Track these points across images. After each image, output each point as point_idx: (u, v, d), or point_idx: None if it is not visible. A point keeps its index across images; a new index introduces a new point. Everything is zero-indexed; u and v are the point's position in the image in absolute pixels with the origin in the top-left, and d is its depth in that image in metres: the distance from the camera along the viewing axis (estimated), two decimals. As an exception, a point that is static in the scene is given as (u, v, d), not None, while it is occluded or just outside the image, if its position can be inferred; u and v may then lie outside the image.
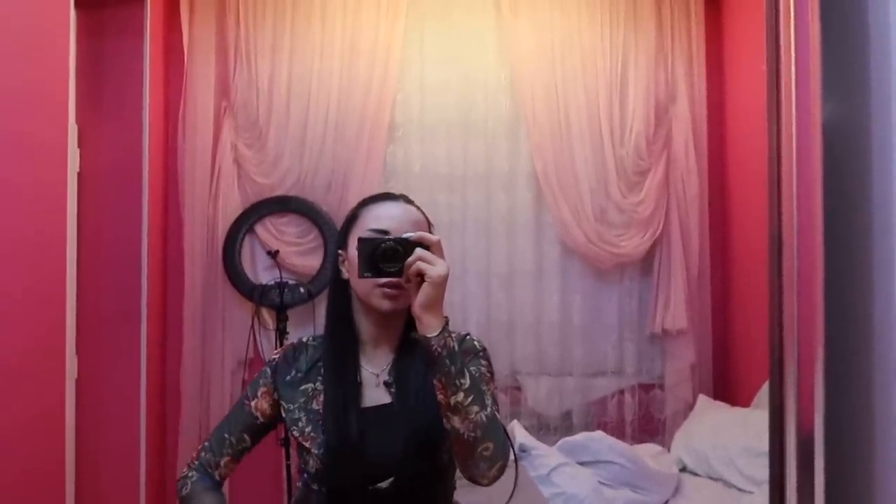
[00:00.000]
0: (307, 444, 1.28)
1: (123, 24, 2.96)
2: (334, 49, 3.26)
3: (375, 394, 1.31)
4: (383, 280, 1.23)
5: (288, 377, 1.34)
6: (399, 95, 3.34)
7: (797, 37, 0.58)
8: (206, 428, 3.20)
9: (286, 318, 3.12)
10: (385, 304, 1.26)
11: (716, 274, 3.45)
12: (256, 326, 3.21)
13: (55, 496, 2.31)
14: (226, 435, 1.35)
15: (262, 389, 1.35)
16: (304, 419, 1.30)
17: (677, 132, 3.38)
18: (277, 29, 3.26)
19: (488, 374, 1.32)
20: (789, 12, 0.58)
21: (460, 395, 1.14)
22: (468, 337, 1.35)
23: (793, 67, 0.58)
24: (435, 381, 1.15)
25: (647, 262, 3.43)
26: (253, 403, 1.35)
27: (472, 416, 1.14)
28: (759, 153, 3.17)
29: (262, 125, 3.25)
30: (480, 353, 1.34)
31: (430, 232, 1.26)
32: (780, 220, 0.60)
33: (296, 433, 1.30)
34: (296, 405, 1.32)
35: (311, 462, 1.28)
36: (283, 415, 1.33)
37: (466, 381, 1.15)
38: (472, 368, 1.20)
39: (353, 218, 1.34)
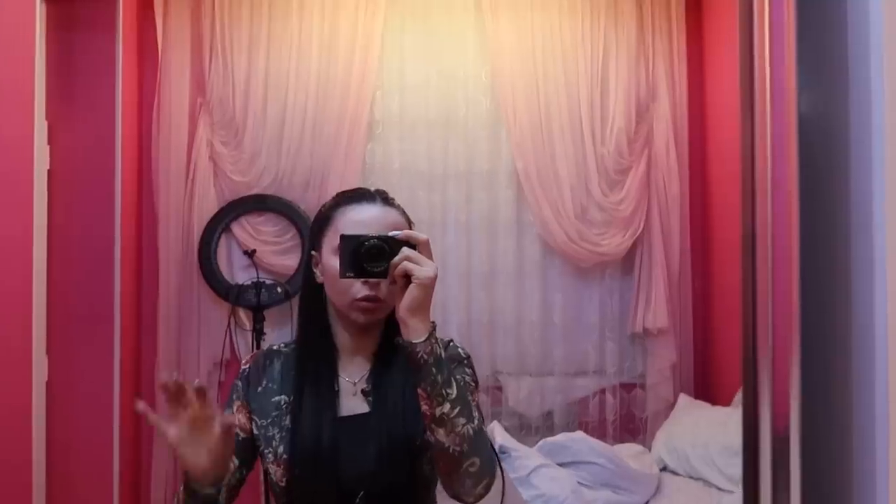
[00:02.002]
0: (280, 469, 1.19)
1: (95, 18, 2.89)
2: (312, 45, 3.21)
3: (352, 403, 1.22)
4: (360, 294, 1.17)
5: (259, 388, 1.25)
6: (378, 93, 3.30)
7: (772, 25, 0.55)
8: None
9: (263, 319, 3.07)
10: (361, 318, 1.20)
11: (696, 273, 3.45)
12: (233, 327, 3.16)
13: (23, 501, 2.25)
14: None
15: (236, 404, 1.26)
16: (277, 438, 1.20)
17: (658, 131, 3.37)
18: (254, 24, 3.21)
19: (473, 384, 1.25)
20: (763, 7, 0.56)
21: (446, 406, 1.07)
22: (452, 343, 1.28)
23: (767, 57, 0.55)
24: (419, 391, 1.08)
25: (628, 261, 3.42)
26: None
27: (459, 428, 1.08)
28: (739, 151, 3.16)
29: (239, 122, 3.20)
30: (465, 361, 1.26)
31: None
32: (753, 217, 0.57)
33: (269, 457, 1.20)
34: (268, 420, 1.22)
35: (279, 473, 1.20)
36: (256, 431, 1.22)
37: (453, 392, 1.08)
38: (457, 377, 1.12)
39: (326, 219, 1.25)
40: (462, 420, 1.08)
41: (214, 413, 1.04)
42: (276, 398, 1.24)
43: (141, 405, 1.01)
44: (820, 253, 0.61)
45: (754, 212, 0.59)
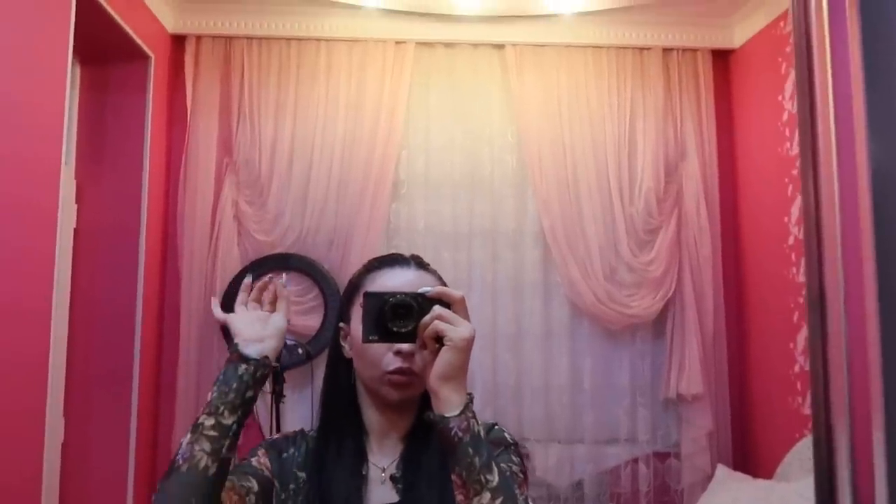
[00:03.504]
0: None
1: (128, 81, 2.96)
2: (339, 107, 3.23)
3: (380, 491, 1.07)
4: (392, 366, 1.04)
5: (285, 454, 1.11)
6: (404, 153, 3.30)
7: (834, 67, 0.49)
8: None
9: (283, 381, 2.98)
10: (393, 395, 1.06)
11: (732, 336, 3.31)
12: (253, 389, 3.09)
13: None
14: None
15: (260, 451, 1.11)
16: None
17: (688, 190, 3.30)
18: (282, 88, 3.24)
19: (521, 476, 1.06)
20: (824, 38, 0.50)
21: (485, 497, 0.90)
22: (496, 427, 1.11)
23: (831, 103, 0.49)
24: (454, 477, 0.92)
25: (659, 324, 3.30)
26: (254, 460, 1.10)
27: None
28: (773, 210, 3.08)
29: (264, 182, 3.20)
30: (512, 448, 1.09)
31: None
32: (821, 278, 0.50)
33: None
34: (284, 492, 1.07)
35: None
36: (273, 500, 1.07)
37: (494, 479, 0.91)
38: (500, 464, 0.96)
39: (355, 287, 1.14)
40: None
41: (280, 310, 1.07)
42: (296, 472, 1.09)
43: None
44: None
45: (822, 273, 0.51)
